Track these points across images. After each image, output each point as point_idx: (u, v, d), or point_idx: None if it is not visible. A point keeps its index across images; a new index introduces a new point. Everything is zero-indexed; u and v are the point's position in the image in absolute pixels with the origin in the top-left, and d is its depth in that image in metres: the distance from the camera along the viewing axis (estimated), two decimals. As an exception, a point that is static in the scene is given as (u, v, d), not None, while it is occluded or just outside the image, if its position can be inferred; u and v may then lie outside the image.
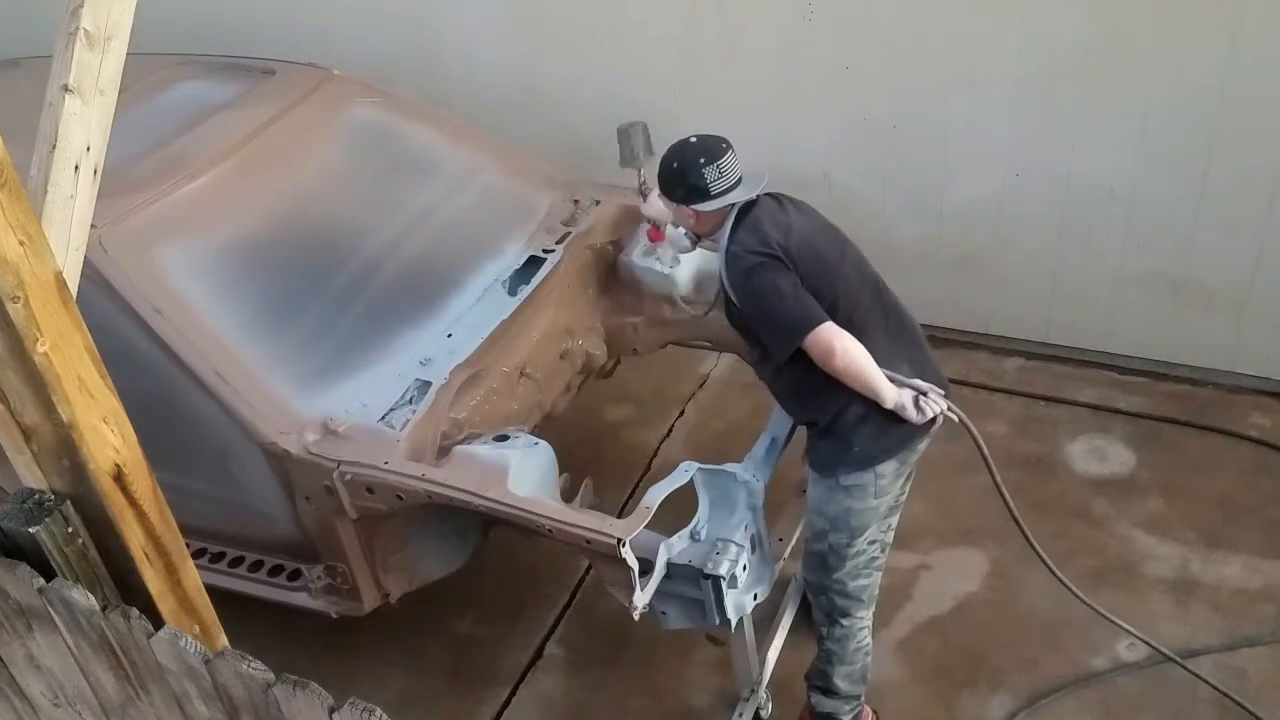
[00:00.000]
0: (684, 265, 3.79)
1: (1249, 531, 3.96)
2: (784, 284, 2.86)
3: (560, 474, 3.24)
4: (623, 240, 3.99)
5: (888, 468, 2.99)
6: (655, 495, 2.97)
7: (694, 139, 3.02)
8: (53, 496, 2.16)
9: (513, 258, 3.85)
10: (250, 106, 4.01)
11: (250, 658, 1.93)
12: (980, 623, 3.77)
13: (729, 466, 3.07)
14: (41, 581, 2.12)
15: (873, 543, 3.12)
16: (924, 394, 2.94)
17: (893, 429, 2.96)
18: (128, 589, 2.27)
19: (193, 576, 2.40)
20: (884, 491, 3.03)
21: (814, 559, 3.18)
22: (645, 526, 2.91)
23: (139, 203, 3.49)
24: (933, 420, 2.97)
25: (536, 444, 3.19)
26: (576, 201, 4.12)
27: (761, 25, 4.56)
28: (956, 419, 3.03)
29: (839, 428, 2.97)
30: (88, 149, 2.05)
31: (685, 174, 2.95)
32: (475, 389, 3.47)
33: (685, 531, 3.03)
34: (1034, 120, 4.31)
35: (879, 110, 4.53)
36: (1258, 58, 3.89)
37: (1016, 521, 3.23)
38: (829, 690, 3.33)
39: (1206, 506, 4.07)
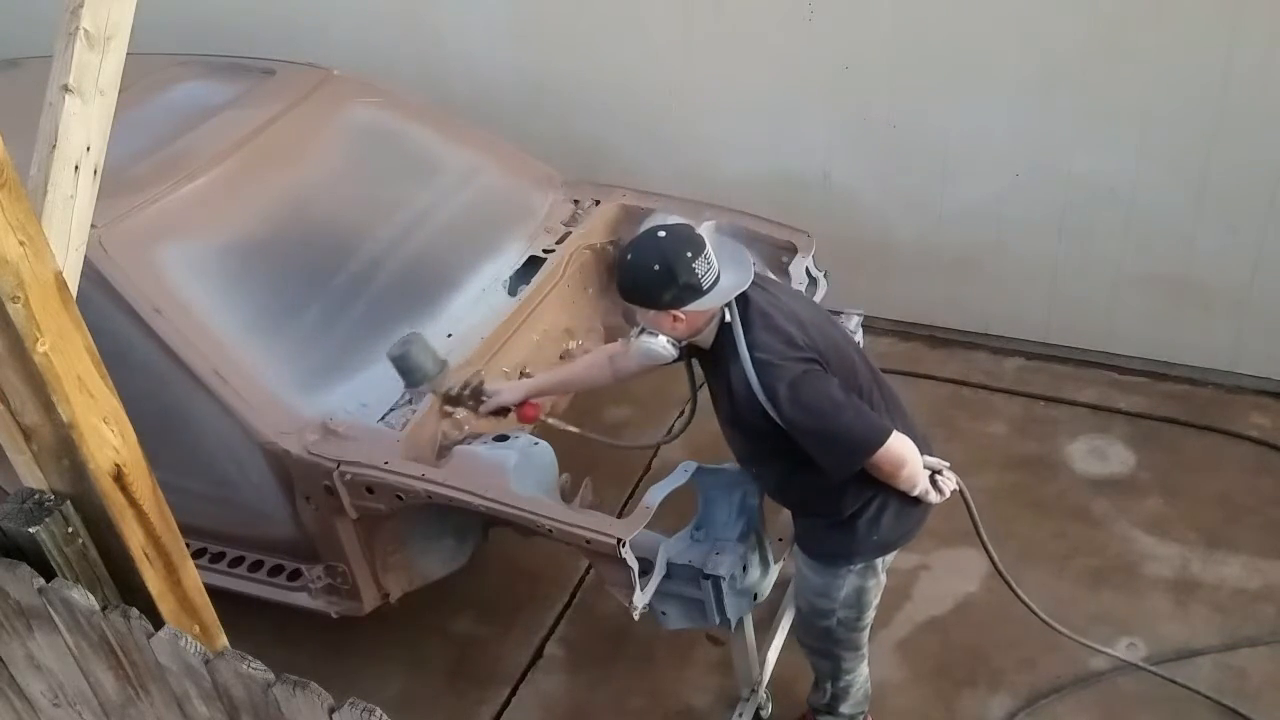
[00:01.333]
0: None
1: (1249, 531, 3.96)
2: (837, 394, 2.60)
3: (560, 474, 3.24)
4: (623, 240, 3.99)
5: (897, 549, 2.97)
6: (655, 495, 2.97)
7: (662, 232, 2.61)
8: (53, 496, 2.16)
9: (513, 258, 3.86)
10: (250, 106, 4.01)
11: (250, 658, 1.93)
12: (980, 623, 3.77)
13: (729, 466, 3.07)
14: (41, 581, 2.12)
15: (875, 607, 3.08)
16: (938, 472, 2.84)
17: (910, 513, 2.87)
18: (128, 589, 2.27)
19: (193, 576, 2.40)
20: (888, 563, 3.00)
21: (819, 634, 3.10)
22: (645, 526, 2.91)
23: (139, 203, 3.49)
24: None
25: (536, 444, 3.18)
26: (576, 201, 4.13)
27: (761, 25, 4.56)
28: (961, 495, 2.93)
29: (857, 522, 2.81)
30: (88, 149, 2.05)
31: (673, 274, 2.54)
32: (475, 389, 3.47)
33: (685, 531, 3.03)
34: (1034, 120, 4.31)
35: (879, 110, 4.53)
36: (1258, 58, 3.89)
37: (996, 568, 3.19)
38: (835, 714, 3.36)
39: (1206, 506, 4.07)
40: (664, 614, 3.10)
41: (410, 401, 3.32)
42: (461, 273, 3.76)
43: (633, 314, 2.76)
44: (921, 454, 2.79)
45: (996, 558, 3.13)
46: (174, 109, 4.12)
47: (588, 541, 2.90)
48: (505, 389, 3.14)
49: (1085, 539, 4.00)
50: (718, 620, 3.04)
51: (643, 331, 2.70)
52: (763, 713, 3.52)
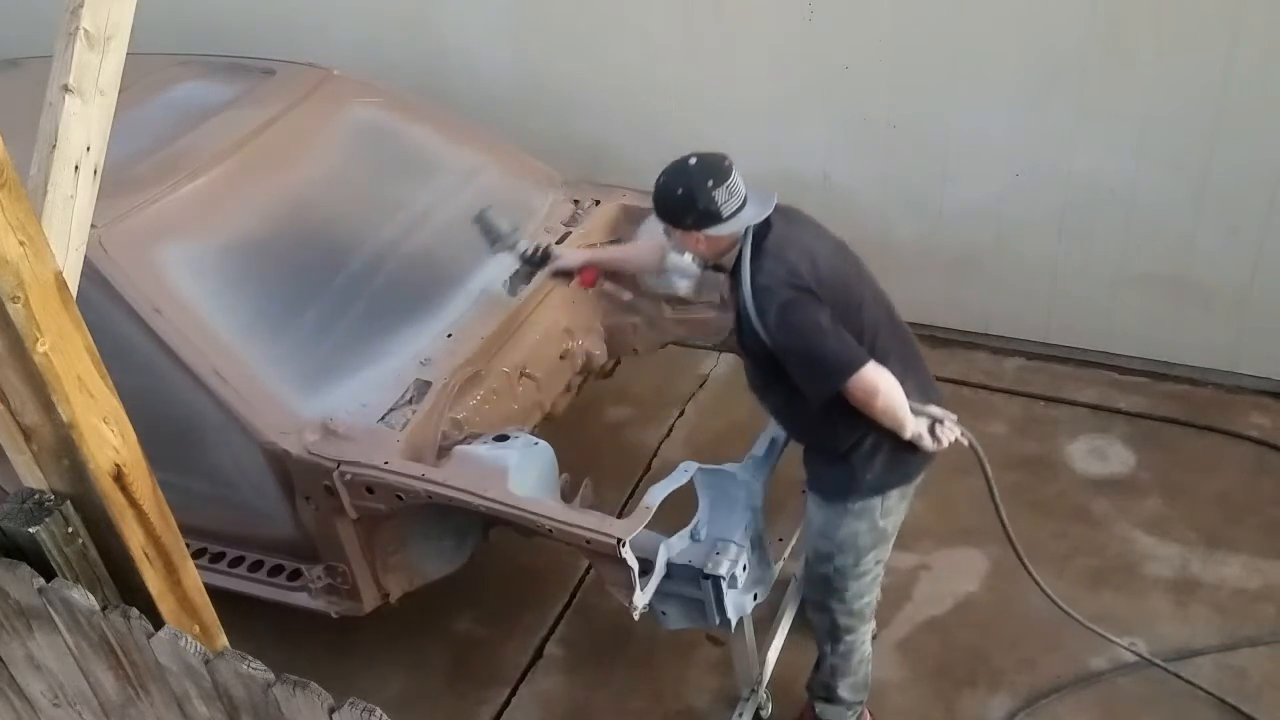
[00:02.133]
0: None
1: (1249, 531, 3.96)
2: (824, 320, 2.74)
3: (560, 474, 3.24)
4: (623, 240, 3.99)
5: (896, 493, 2.98)
6: (655, 495, 2.97)
7: (693, 160, 2.86)
8: (53, 496, 2.16)
9: (513, 258, 3.85)
10: (250, 106, 4.01)
11: (250, 658, 1.93)
12: (980, 623, 3.77)
13: (729, 466, 3.07)
14: (41, 581, 2.12)
15: (878, 561, 3.11)
16: (939, 421, 2.88)
17: (907, 457, 2.92)
18: (128, 589, 2.27)
19: (193, 576, 2.40)
20: (890, 513, 3.01)
21: (819, 581, 3.15)
22: (645, 526, 2.91)
23: (139, 203, 3.49)
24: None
25: (536, 444, 3.19)
26: (576, 201, 4.13)
27: (761, 26, 4.56)
28: (968, 444, 2.98)
29: (853, 457, 2.90)
30: (88, 149, 2.05)
31: (694, 198, 2.79)
32: (475, 389, 3.47)
33: (685, 531, 3.03)
34: (1034, 120, 4.31)
35: (879, 110, 4.53)
36: (1258, 58, 3.89)
37: (1015, 549, 3.22)
38: (832, 699, 3.34)
39: (1206, 506, 4.07)
40: (664, 614, 3.10)
41: (411, 401, 3.32)
42: (462, 272, 3.76)
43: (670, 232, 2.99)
44: (926, 404, 2.88)
45: (1006, 519, 3.17)
46: (174, 109, 4.12)
47: (588, 541, 2.90)
48: (568, 255, 3.51)
49: (1085, 539, 4.01)
50: (718, 620, 3.04)
51: (673, 249, 2.97)
52: (763, 713, 3.52)
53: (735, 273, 2.86)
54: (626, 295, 3.81)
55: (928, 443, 2.87)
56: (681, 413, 4.76)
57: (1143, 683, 3.52)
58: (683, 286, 2.98)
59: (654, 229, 3.77)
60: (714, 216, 2.80)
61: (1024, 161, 4.42)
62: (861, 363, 2.73)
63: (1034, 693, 3.54)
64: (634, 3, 4.75)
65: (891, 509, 3.01)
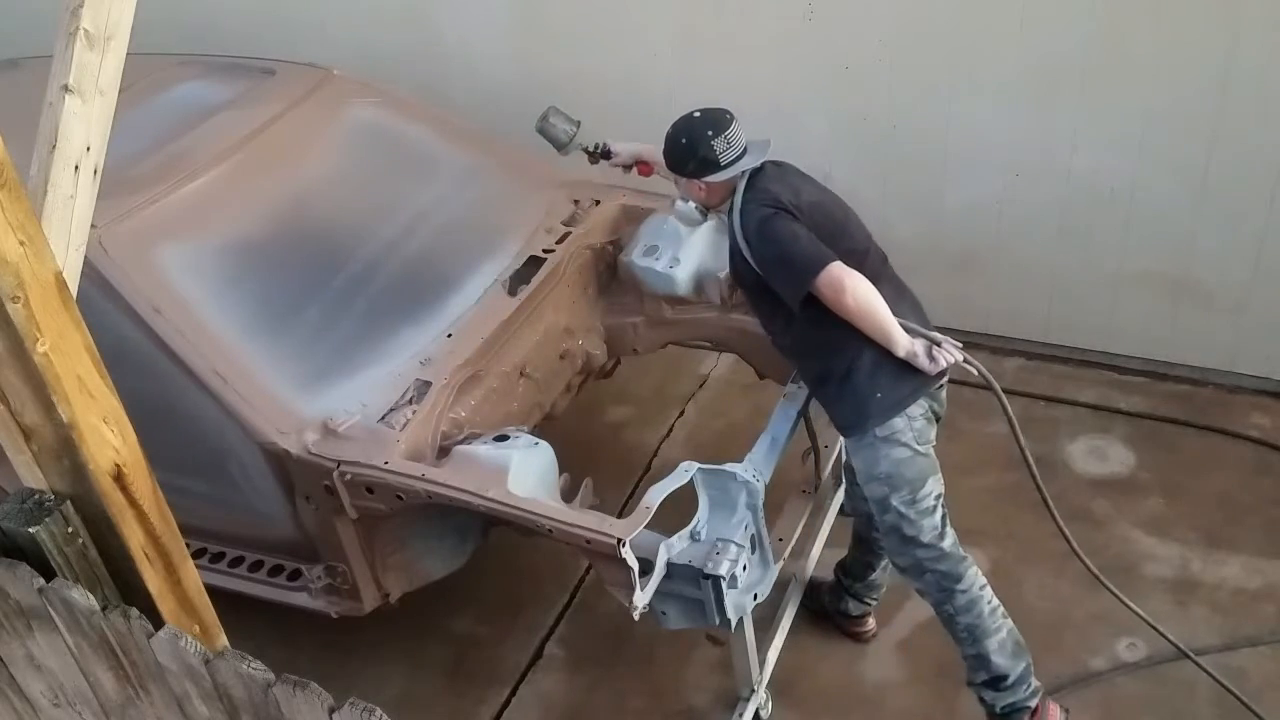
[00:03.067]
0: (683, 265, 3.79)
1: (1249, 531, 3.96)
2: (798, 229, 2.94)
3: (560, 474, 3.24)
4: (623, 240, 3.99)
5: (916, 409, 3.00)
6: (655, 495, 2.97)
7: (698, 113, 3.10)
8: (53, 496, 2.16)
9: (512, 258, 3.85)
10: (250, 106, 4.01)
11: (250, 658, 1.93)
12: (980, 623, 3.76)
13: (729, 466, 3.07)
14: (41, 581, 2.12)
15: (937, 495, 3.08)
16: (938, 344, 2.94)
17: (908, 376, 2.97)
18: (128, 589, 2.27)
19: (193, 576, 2.40)
20: (922, 436, 3.02)
21: (892, 537, 3.13)
22: (645, 526, 2.91)
23: (139, 203, 3.49)
24: (943, 371, 2.97)
25: (536, 444, 3.19)
26: (576, 201, 4.12)
27: (761, 25, 4.56)
28: (975, 371, 3.02)
29: (856, 377, 2.98)
30: (88, 149, 2.05)
31: (695, 147, 3.04)
32: (475, 389, 3.47)
33: (685, 531, 3.02)
34: (1034, 120, 4.31)
35: (879, 110, 4.53)
36: (1258, 57, 3.89)
37: (1043, 495, 3.22)
38: (995, 679, 3.16)
39: (1206, 506, 4.07)
40: (664, 614, 3.10)
41: (411, 401, 3.32)
42: (461, 272, 3.76)
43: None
44: (920, 325, 2.99)
45: (1028, 452, 3.17)
46: (174, 109, 4.12)
47: (588, 541, 2.90)
48: (624, 149, 3.71)
49: (1085, 539, 3.97)
50: (718, 620, 3.04)
51: (679, 198, 3.35)
52: (763, 713, 3.52)
53: (729, 213, 3.09)
54: (627, 298, 3.91)
55: (924, 362, 2.92)
56: (681, 413, 4.76)
57: (1143, 683, 3.52)
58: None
59: (655, 227, 3.86)
60: (713, 164, 3.03)
61: (1024, 161, 4.41)
62: (827, 259, 2.86)
63: (1034, 693, 3.53)
64: (634, 2, 4.75)
65: (921, 431, 3.02)
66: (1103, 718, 3.46)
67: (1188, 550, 3.93)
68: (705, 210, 3.27)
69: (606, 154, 3.72)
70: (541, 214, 4.06)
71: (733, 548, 2.99)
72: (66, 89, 1.99)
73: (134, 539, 2.22)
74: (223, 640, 2.49)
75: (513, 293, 3.70)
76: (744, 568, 3.02)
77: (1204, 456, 4.28)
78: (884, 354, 2.94)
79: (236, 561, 3.59)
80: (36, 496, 2.16)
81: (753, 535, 3.08)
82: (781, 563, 3.29)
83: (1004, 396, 3.07)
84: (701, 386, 4.88)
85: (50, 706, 2.45)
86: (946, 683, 3.60)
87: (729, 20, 4.60)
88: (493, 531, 3.47)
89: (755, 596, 3.13)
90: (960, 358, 2.97)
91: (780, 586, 3.59)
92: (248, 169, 3.73)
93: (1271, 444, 4.28)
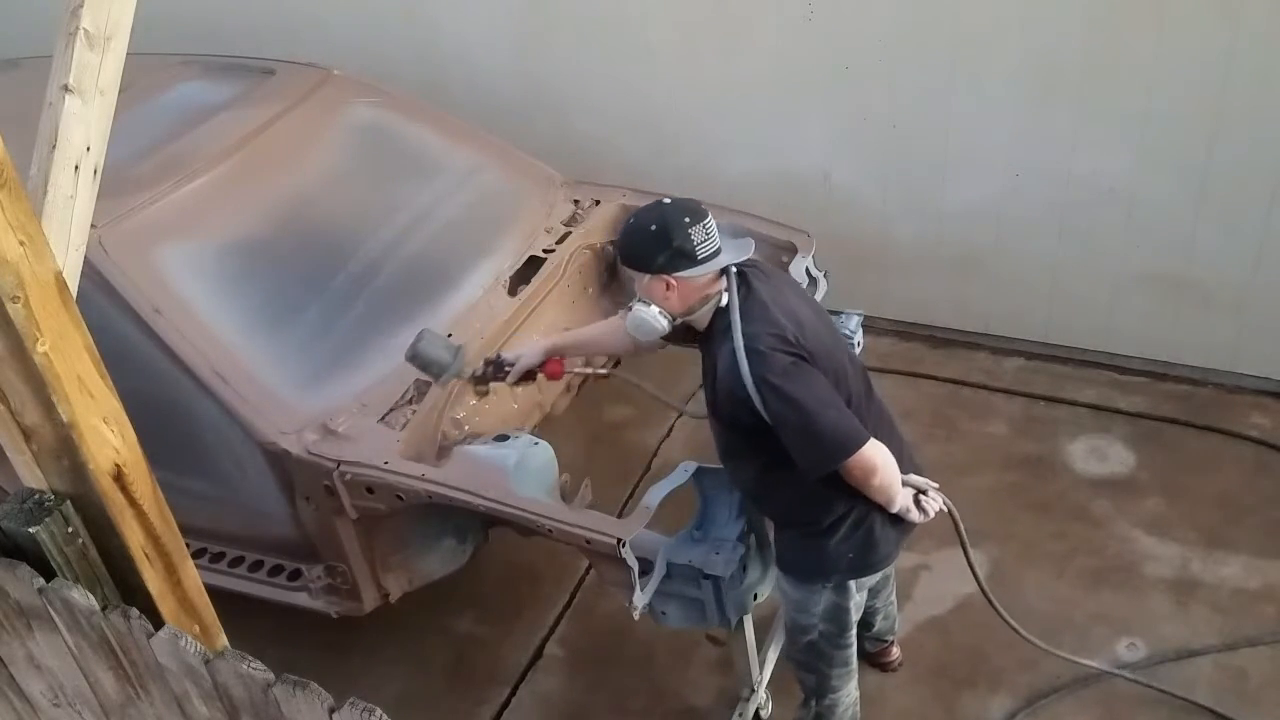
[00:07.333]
0: None
1: (1249, 531, 3.96)
2: (824, 393, 2.58)
3: (560, 474, 3.24)
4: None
5: (868, 579, 2.95)
6: (655, 495, 2.97)
7: (668, 199, 2.66)
8: (53, 496, 2.16)
9: (513, 258, 3.85)
10: (250, 106, 4.02)
11: (250, 658, 1.93)
12: (980, 623, 3.76)
13: (729, 466, 3.06)
14: (41, 581, 2.12)
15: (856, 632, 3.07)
16: (923, 492, 2.80)
17: (890, 532, 2.82)
18: (128, 589, 2.27)
19: (193, 576, 2.40)
20: (865, 586, 2.98)
21: (804, 649, 3.07)
22: (645, 526, 2.91)
23: (139, 203, 3.50)
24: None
25: (536, 444, 3.19)
26: (576, 201, 4.13)
27: (762, 25, 4.56)
28: (948, 512, 2.89)
29: (831, 537, 2.77)
30: (88, 149, 2.05)
31: (669, 236, 2.56)
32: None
33: (685, 531, 3.03)
34: (1034, 120, 4.31)
35: (879, 110, 4.53)
36: (1258, 57, 3.88)
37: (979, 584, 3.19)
38: None
39: (1206, 506, 4.07)
40: (664, 614, 3.10)
41: (411, 401, 3.32)
42: (461, 273, 3.76)
43: (633, 286, 2.75)
44: (907, 472, 2.76)
45: (981, 578, 3.13)
46: (174, 109, 4.12)
47: (588, 541, 2.90)
48: (525, 353, 3.10)
49: (1085, 539, 4.00)
50: (718, 620, 3.04)
51: (638, 301, 2.69)
52: (763, 713, 3.52)
53: (711, 333, 2.69)
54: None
55: (914, 514, 2.76)
56: (681, 413, 4.76)
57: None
58: (656, 333, 2.70)
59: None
60: (689, 257, 2.57)
61: (1024, 161, 4.42)
62: (863, 440, 2.57)
63: (1034, 693, 3.54)
64: (635, 2, 4.75)
65: (866, 583, 2.97)
66: (1103, 718, 3.46)
67: (1188, 550, 3.93)
68: (674, 318, 2.67)
69: (500, 370, 3.10)
70: (541, 214, 4.07)
71: (733, 548, 2.99)
72: (66, 89, 1.99)
73: (134, 539, 2.22)
74: (223, 640, 2.49)
75: (513, 293, 3.70)
76: (744, 568, 3.02)
77: (1204, 456, 4.28)
78: (874, 510, 2.74)
79: (236, 561, 3.59)
80: (36, 496, 2.16)
81: (753, 535, 3.08)
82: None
83: (963, 527, 2.94)
84: (701, 386, 4.87)
85: (50, 706, 2.45)
86: (946, 683, 3.61)
87: (729, 20, 4.61)
88: (493, 531, 3.47)
89: (755, 596, 3.13)
90: (940, 502, 2.80)
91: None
92: (248, 169, 3.74)
93: (1271, 444, 4.28)
